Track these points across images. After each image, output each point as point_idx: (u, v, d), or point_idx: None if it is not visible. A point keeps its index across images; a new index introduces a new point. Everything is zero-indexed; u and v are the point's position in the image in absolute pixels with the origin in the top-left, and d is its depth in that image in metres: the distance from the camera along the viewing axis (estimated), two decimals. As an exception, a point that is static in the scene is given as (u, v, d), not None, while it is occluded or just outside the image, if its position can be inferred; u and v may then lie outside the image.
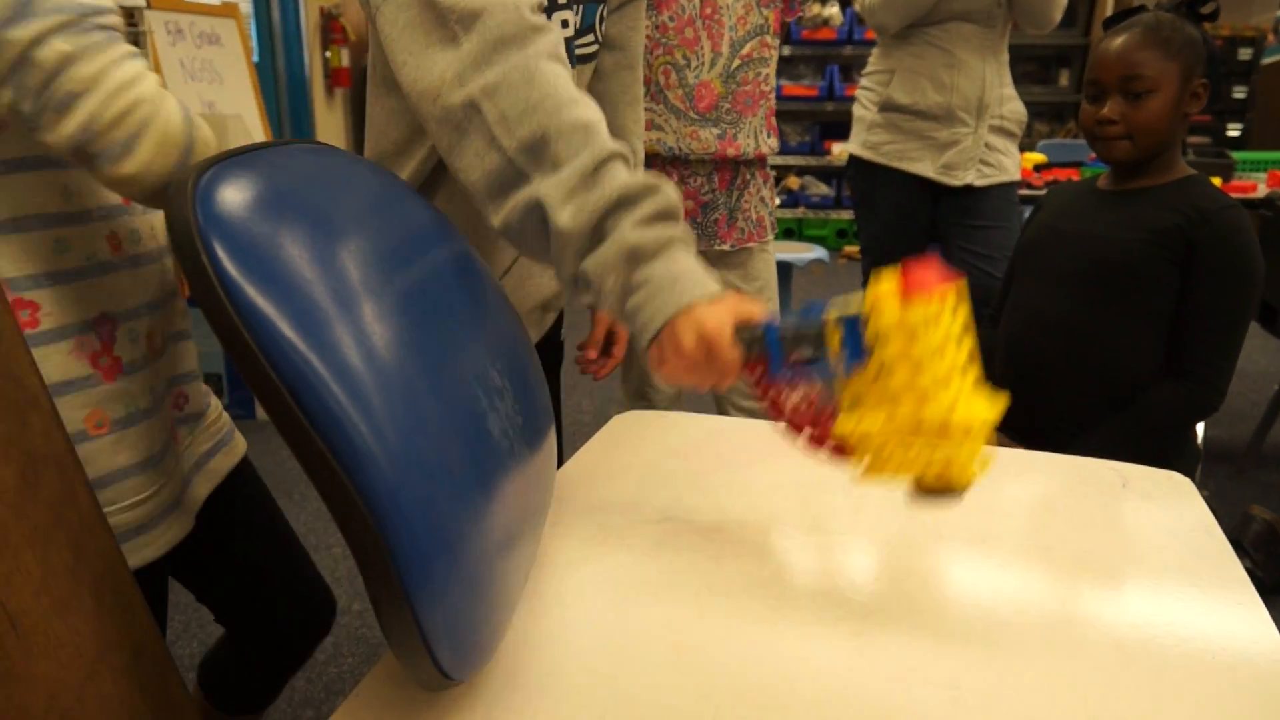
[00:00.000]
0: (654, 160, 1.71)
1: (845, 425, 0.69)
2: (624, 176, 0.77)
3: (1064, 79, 5.38)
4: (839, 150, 5.65)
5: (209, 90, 3.41)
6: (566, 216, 0.76)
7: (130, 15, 2.58)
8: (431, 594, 0.57)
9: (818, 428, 0.74)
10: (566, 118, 0.78)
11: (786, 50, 5.72)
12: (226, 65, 3.52)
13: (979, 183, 2.22)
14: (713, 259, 1.77)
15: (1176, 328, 1.44)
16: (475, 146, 0.79)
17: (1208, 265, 1.41)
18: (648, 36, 1.64)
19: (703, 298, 0.75)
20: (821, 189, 5.97)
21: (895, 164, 2.26)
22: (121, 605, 0.71)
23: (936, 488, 0.64)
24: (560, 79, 0.80)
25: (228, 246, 0.56)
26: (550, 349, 1.28)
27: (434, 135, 0.83)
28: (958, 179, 2.22)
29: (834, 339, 0.67)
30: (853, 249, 5.71)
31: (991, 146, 2.23)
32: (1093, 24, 5.09)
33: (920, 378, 0.63)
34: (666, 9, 1.64)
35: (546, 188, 0.77)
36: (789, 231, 5.93)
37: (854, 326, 0.66)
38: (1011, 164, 2.27)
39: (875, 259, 2.40)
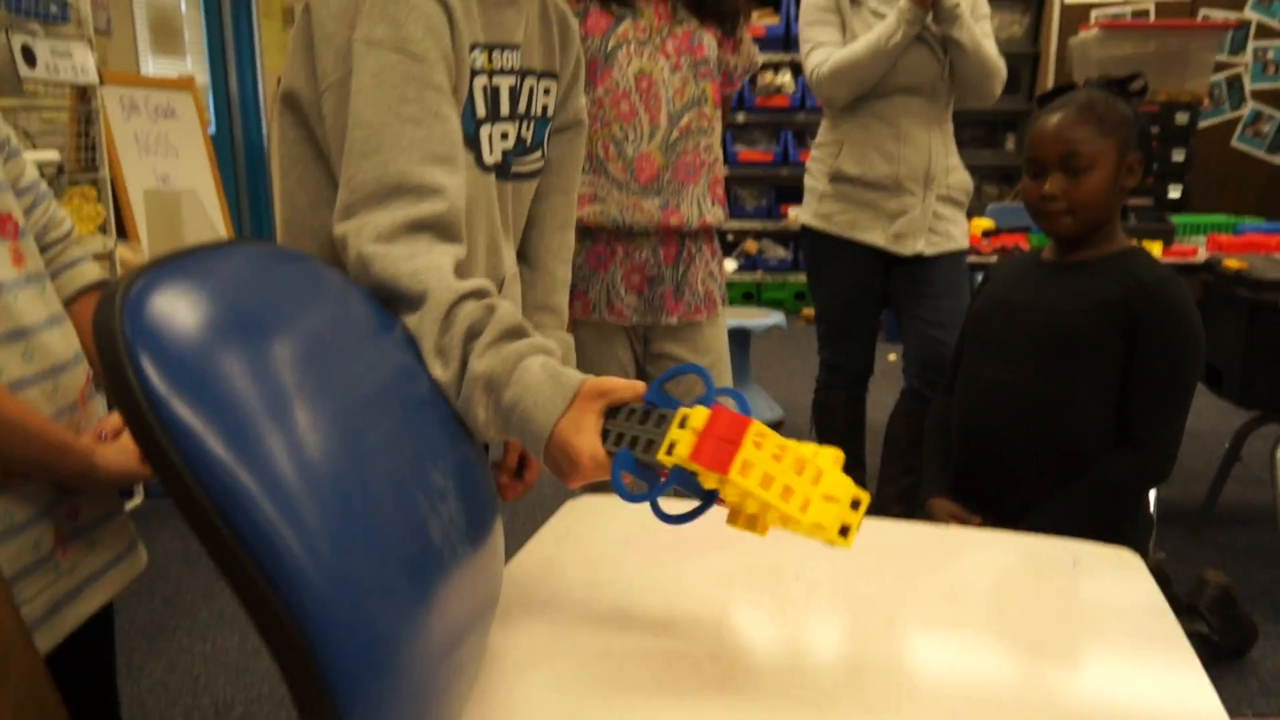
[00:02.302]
0: (598, 233, 1.71)
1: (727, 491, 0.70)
2: (468, 309, 0.82)
3: (1010, 143, 5.53)
4: (794, 214, 5.74)
5: (164, 163, 3.40)
6: (439, 369, 0.82)
7: (84, 92, 2.57)
8: (367, 715, 0.55)
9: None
10: (418, 262, 0.83)
11: (741, 117, 5.82)
12: (182, 138, 3.52)
13: (929, 251, 2.25)
14: (661, 333, 1.78)
15: (1125, 397, 1.47)
16: (350, 273, 0.86)
17: (1151, 336, 1.44)
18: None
19: (562, 413, 0.77)
20: (779, 252, 6.05)
21: (847, 233, 2.29)
22: (45, 726, 0.68)
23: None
24: (420, 244, 0.85)
25: (155, 360, 0.55)
26: None
27: None
28: (908, 248, 2.25)
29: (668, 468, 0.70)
30: (811, 311, 5.78)
31: (939, 215, 2.26)
32: (1035, 91, 5.25)
33: (775, 506, 0.66)
34: (601, 84, 1.66)
35: (414, 326, 0.83)
36: (748, 295, 5.98)
37: (683, 475, 0.69)
38: (959, 232, 2.31)
39: (829, 327, 2.41)
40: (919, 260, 2.25)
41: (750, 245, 6.06)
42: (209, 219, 2.79)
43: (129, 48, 3.56)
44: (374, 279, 0.83)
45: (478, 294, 0.83)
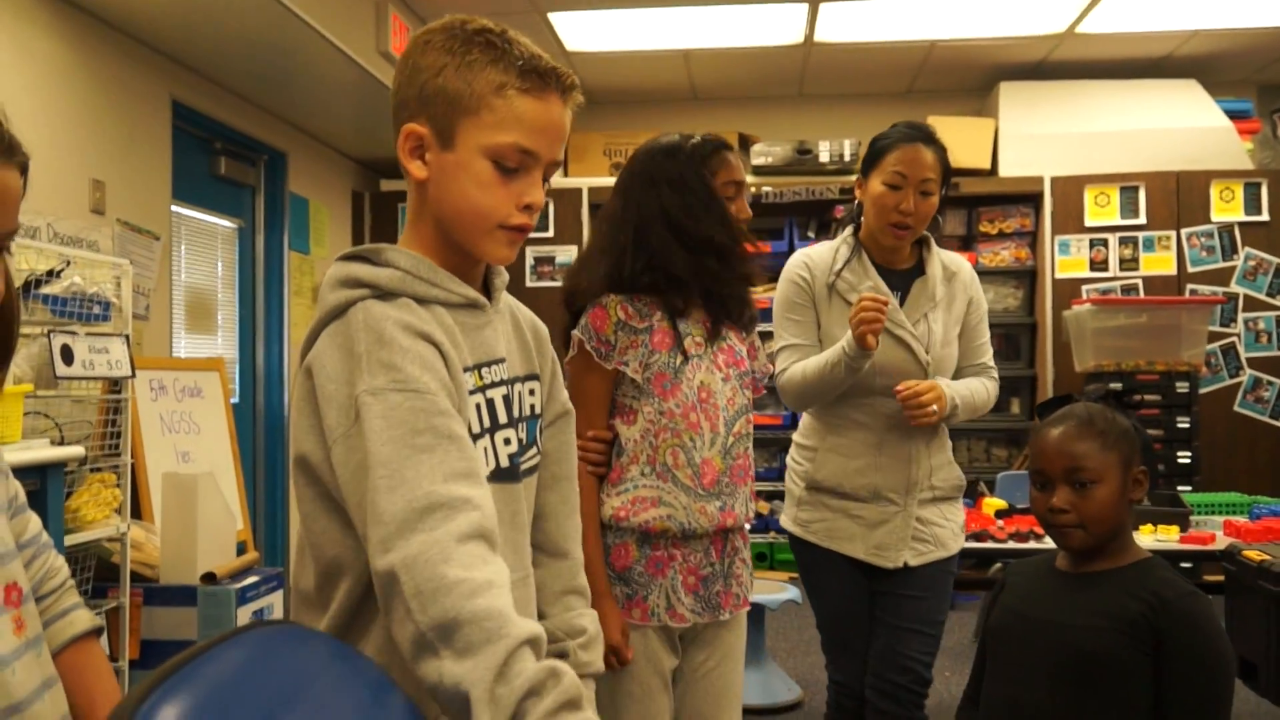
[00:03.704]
0: (657, 540, 1.76)
1: None
2: (530, 666, 0.82)
3: (1015, 407, 5.61)
4: (806, 476, 5.76)
5: (185, 440, 3.47)
6: (486, 719, 0.80)
7: (115, 383, 2.67)
8: None
9: None
10: (480, 604, 0.83)
11: (759, 391, 5.98)
12: (206, 415, 3.62)
13: (914, 562, 2.09)
14: (699, 628, 1.81)
15: (1158, 724, 1.41)
16: (398, 611, 0.86)
17: (1179, 658, 1.40)
18: (650, 421, 1.76)
19: None
20: (791, 513, 6.03)
21: (825, 543, 2.13)
22: None
23: None
24: (476, 561, 0.86)
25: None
26: None
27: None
28: (890, 561, 2.09)
29: None
30: (826, 575, 5.64)
31: (926, 521, 2.11)
32: (1035, 357, 5.41)
33: None
34: (671, 396, 1.76)
35: (462, 674, 0.81)
36: (761, 556, 5.89)
37: None
38: (949, 534, 2.14)
39: (828, 641, 2.22)
40: (905, 568, 2.10)
41: (761, 507, 6.04)
42: (223, 501, 2.81)
43: (164, 329, 3.73)
44: (433, 616, 0.84)
45: (532, 643, 0.84)
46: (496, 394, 1.12)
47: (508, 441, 1.13)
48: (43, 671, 0.96)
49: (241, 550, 3.02)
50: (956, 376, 2.19)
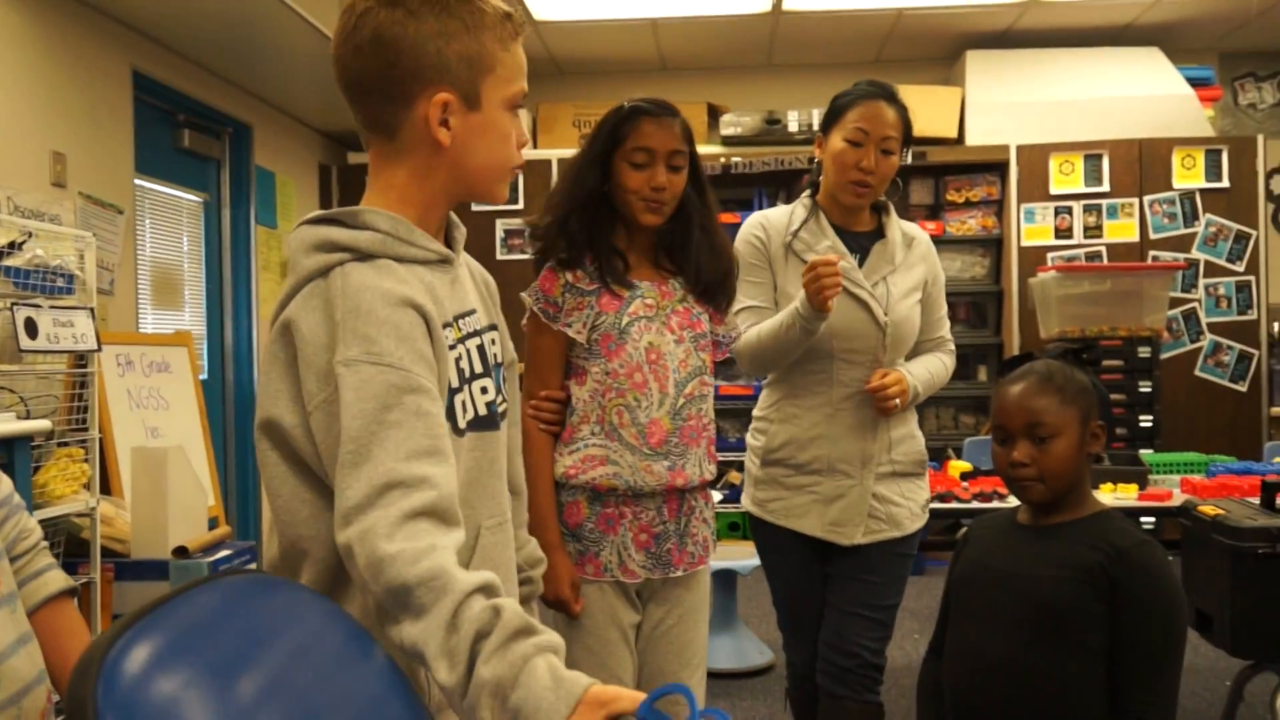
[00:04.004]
0: (608, 497, 1.79)
1: None
2: (474, 612, 0.85)
3: (982, 374, 5.69)
4: (777, 445, 5.80)
5: (154, 416, 3.45)
6: (444, 672, 0.84)
7: (81, 358, 2.65)
8: None
9: None
10: (423, 567, 0.87)
11: (722, 354, 6.01)
12: (174, 390, 3.59)
13: (864, 540, 2.06)
14: (655, 586, 1.84)
15: (1114, 669, 1.45)
16: (360, 582, 0.90)
17: (1132, 604, 1.45)
18: (598, 382, 1.79)
19: (567, 710, 0.80)
20: (763, 482, 6.08)
21: (782, 522, 2.10)
22: None
23: None
24: (420, 534, 0.90)
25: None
26: None
27: None
28: (846, 537, 2.06)
29: None
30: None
31: (882, 499, 2.07)
32: (1001, 325, 5.47)
33: None
34: (616, 357, 1.79)
35: (417, 635, 0.85)
36: (733, 525, 5.94)
37: None
38: (905, 514, 2.09)
39: (783, 621, 2.21)
40: (856, 547, 2.07)
41: (734, 476, 6.09)
42: (194, 475, 2.80)
43: (130, 304, 3.69)
44: (384, 586, 0.87)
45: (483, 590, 0.87)
46: (473, 344, 1.15)
47: (485, 390, 1.16)
48: (18, 628, 0.97)
49: (213, 526, 3.01)
50: (915, 351, 2.19)
